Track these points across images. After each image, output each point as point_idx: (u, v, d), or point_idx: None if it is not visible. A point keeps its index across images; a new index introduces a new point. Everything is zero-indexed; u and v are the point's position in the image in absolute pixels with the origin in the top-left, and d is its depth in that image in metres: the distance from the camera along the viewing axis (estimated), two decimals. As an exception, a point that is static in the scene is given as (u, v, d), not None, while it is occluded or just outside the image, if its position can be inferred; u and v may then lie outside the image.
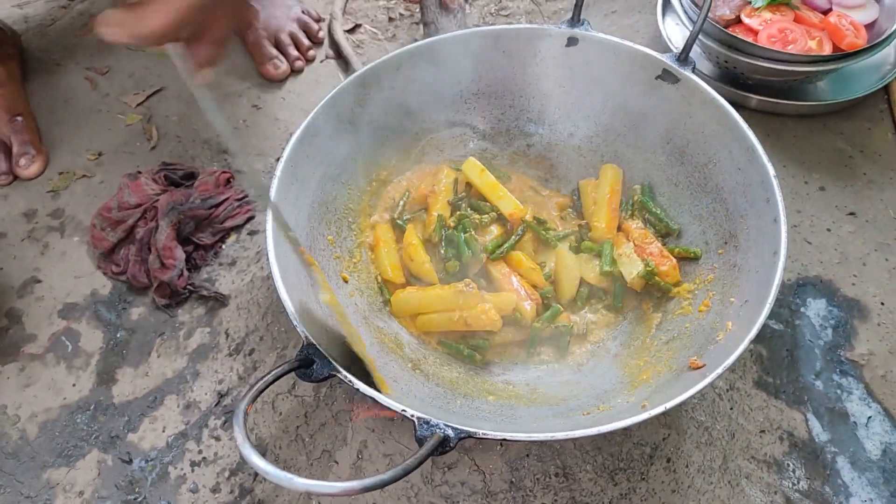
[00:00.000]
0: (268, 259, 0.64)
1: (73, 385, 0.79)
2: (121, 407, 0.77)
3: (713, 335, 0.65)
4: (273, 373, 0.55)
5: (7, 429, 0.76)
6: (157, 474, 0.73)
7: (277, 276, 0.62)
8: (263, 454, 0.73)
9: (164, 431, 0.75)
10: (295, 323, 0.59)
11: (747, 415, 0.75)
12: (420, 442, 0.52)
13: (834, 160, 0.95)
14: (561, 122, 0.75)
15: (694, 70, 0.74)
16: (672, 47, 1.03)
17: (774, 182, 0.66)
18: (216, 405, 0.77)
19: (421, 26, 1.09)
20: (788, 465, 0.72)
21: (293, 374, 0.58)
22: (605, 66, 0.78)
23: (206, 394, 0.78)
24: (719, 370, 0.57)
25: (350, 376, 0.56)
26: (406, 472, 0.49)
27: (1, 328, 0.82)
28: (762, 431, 0.74)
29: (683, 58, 0.73)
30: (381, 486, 0.48)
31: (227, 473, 0.73)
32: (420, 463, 0.50)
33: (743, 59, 0.93)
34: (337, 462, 0.72)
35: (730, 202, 0.72)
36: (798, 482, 0.71)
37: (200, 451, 0.74)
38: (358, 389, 0.56)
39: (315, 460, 0.72)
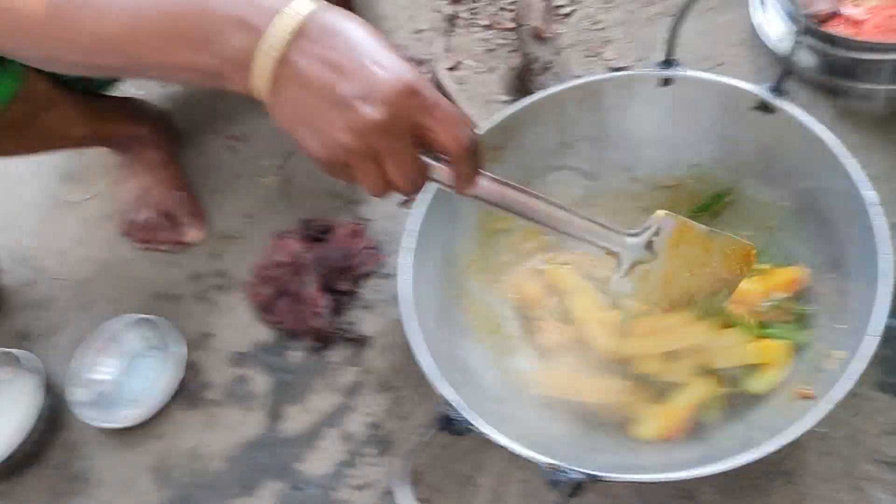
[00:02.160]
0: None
1: (249, 424, 0.92)
2: (289, 440, 0.90)
3: (820, 363, 0.68)
4: (418, 444, 0.64)
5: (201, 465, 0.90)
6: (326, 499, 0.84)
7: (413, 338, 0.71)
8: (419, 480, 0.82)
9: (327, 461, 0.87)
10: (432, 383, 0.68)
11: (869, 418, 0.77)
12: (552, 484, 0.60)
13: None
14: (661, 157, 0.79)
15: (790, 98, 0.76)
16: (769, 45, 1.03)
17: (872, 211, 0.67)
18: (370, 436, 0.88)
19: (519, 55, 1.14)
20: (917, 466, 0.74)
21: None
22: (701, 102, 0.81)
23: (360, 426, 0.89)
24: (831, 405, 0.60)
25: (485, 430, 0.64)
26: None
27: (184, 379, 0.96)
28: (887, 433, 0.76)
29: (778, 89, 0.75)
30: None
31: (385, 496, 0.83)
32: (555, 511, 0.57)
33: (844, 53, 0.92)
34: (480, 486, 0.81)
35: (834, 227, 0.74)
36: (930, 483, 0.73)
37: (360, 477, 0.85)
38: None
39: (460, 485, 0.82)
